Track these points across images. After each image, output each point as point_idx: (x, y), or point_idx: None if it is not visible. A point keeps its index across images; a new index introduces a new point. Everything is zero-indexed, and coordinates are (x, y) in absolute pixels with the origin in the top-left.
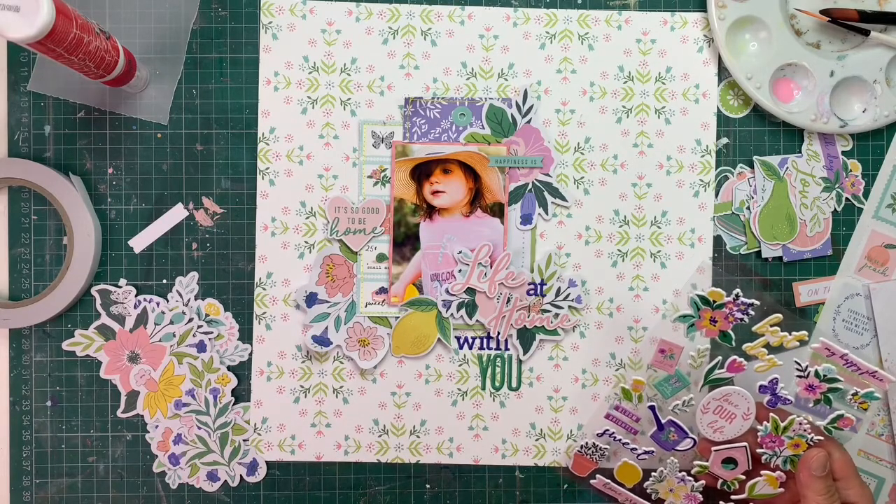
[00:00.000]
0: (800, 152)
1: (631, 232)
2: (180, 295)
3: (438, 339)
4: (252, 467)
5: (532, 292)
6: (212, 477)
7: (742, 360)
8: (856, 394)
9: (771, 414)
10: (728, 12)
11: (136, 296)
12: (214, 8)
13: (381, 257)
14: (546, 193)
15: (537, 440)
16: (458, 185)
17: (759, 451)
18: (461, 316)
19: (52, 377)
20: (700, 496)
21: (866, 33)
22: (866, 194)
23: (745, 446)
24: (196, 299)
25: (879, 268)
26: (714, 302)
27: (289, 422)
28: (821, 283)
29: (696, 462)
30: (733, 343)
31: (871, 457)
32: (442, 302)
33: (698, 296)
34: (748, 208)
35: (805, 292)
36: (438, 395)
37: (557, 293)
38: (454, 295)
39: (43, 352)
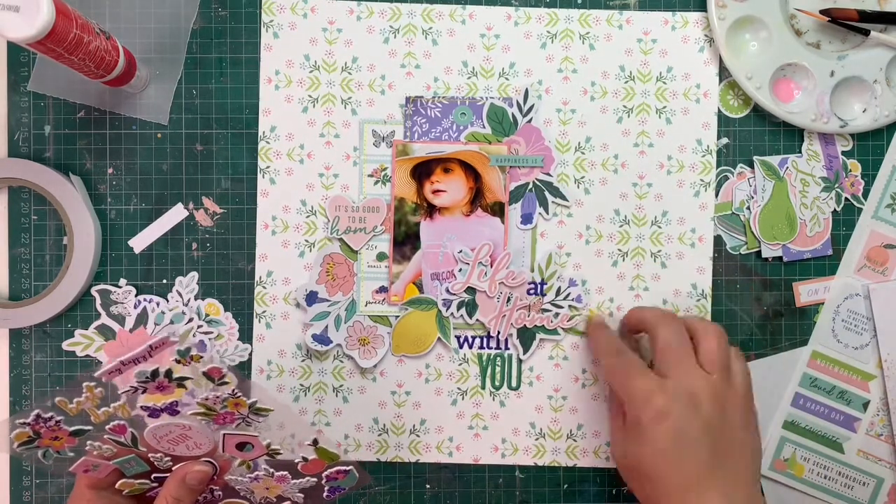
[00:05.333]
0: (800, 152)
1: (631, 231)
2: (180, 295)
3: (438, 339)
4: None
5: (532, 292)
6: None
7: (118, 422)
8: (179, 359)
9: (189, 413)
10: (728, 12)
11: (136, 296)
12: (214, 8)
13: (381, 256)
14: (547, 193)
15: (537, 440)
16: (459, 184)
17: (234, 425)
18: (461, 315)
19: (52, 377)
20: (287, 473)
21: (866, 33)
22: (866, 194)
23: (225, 434)
24: (196, 299)
25: (879, 268)
26: (30, 438)
27: None
28: (821, 283)
29: (236, 466)
30: (86, 429)
31: (870, 457)
32: (442, 301)
33: (19, 446)
34: (748, 208)
35: (805, 292)
36: (438, 394)
37: (558, 293)
38: (454, 294)
39: (43, 352)
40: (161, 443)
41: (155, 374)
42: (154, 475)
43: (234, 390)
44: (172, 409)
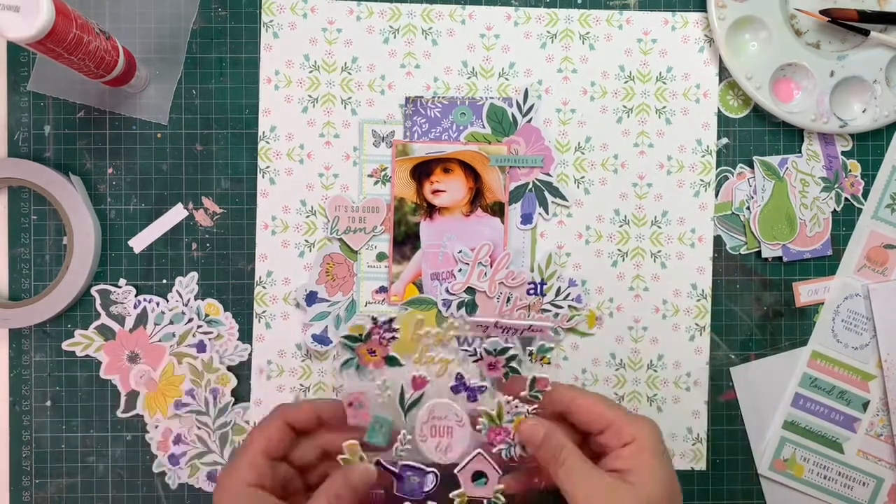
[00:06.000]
0: (800, 152)
1: (631, 232)
2: (180, 295)
3: None
4: None
5: (532, 292)
6: (212, 477)
7: (423, 374)
8: (532, 353)
9: (480, 408)
10: (728, 12)
11: (135, 296)
12: (214, 8)
13: (381, 256)
14: (546, 193)
15: None
16: (459, 184)
17: (495, 450)
18: (461, 315)
19: (52, 377)
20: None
21: (866, 33)
22: (866, 194)
23: (480, 453)
24: (196, 299)
25: (879, 268)
26: (360, 335)
27: None
28: (821, 283)
29: (453, 495)
30: (401, 363)
31: (870, 457)
32: (442, 301)
33: (345, 337)
34: (748, 208)
35: (805, 292)
36: None
37: (557, 293)
38: (454, 294)
39: (43, 352)
40: (424, 425)
41: (503, 351)
42: (376, 459)
43: (533, 408)
44: (474, 395)
